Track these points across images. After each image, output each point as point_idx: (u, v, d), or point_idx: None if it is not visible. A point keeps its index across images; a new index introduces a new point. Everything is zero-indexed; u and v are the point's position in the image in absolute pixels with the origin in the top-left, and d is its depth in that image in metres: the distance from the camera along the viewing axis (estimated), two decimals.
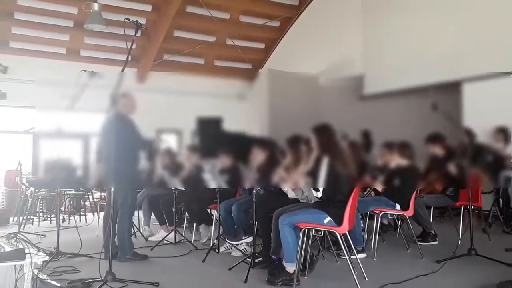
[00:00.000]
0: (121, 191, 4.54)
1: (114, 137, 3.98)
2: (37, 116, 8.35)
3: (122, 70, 3.88)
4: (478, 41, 6.50)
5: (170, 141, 6.14)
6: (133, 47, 4.05)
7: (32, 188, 7.11)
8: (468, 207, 4.69)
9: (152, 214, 6.19)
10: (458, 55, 6.64)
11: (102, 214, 6.53)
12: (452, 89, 6.29)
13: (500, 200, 6.05)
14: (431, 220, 5.47)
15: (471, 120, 5.54)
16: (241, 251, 4.83)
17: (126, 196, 4.66)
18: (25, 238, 4.17)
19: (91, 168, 4.78)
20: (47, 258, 3.87)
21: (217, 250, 4.95)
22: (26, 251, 3.43)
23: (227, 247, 4.99)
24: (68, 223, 7.26)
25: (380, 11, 7.96)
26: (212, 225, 5.63)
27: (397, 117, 5.57)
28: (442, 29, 6.95)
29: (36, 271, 3.58)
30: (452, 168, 4.88)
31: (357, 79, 7.81)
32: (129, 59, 4.08)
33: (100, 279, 3.70)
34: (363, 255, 4.61)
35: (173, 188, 5.58)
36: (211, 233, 5.60)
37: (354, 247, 4.24)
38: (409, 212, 4.85)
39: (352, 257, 3.96)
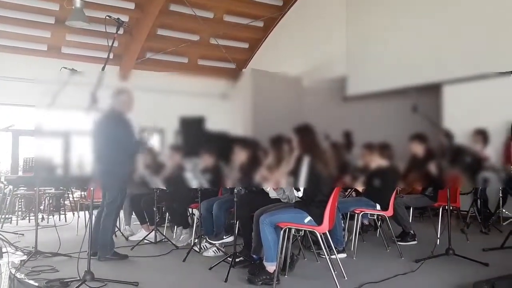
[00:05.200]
0: (113, 190, 4.50)
1: (109, 135, 3.93)
2: (17, 113, 8.24)
3: (103, 69, 3.84)
4: (459, 43, 6.59)
5: (152, 141, 6.12)
6: (115, 45, 4.02)
7: (10, 186, 7.00)
8: (446, 207, 4.76)
9: (133, 213, 6.15)
10: (438, 57, 6.74)
11: (82, 213, 6.48)
12: (433, 91, 6.38)
13: (478, 201, 6.15)
14: (410, 220, 5.54)
15: (451, 121, 5.63)
16: (221, 250, 4.83)
17: (116, 196, 4.62)
18: (2, 237, 4.12)
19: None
20: (25, 257, 3.84)
21: (197, 250, 4.94)
22: (3, 250, 3.39)
23: (204, 246, 4.97)
24: (48, 222, 7.17)
25: (363, 13, 8.04)
26: (188, 228, 5.62)
27: (378, 118, 5.64)
28: (424, 32, 7.04)
29: (13, 270, 3.54)
30: (432, 168, 4.95)
31: (340, 80, 7.87)
32: (111, 56, 4.06)
33: (79, 278, 3.66)
34: (343, 255, 4.64)
35: (154, 187, 5.55)
36: (185, 235, 5.58)
37: (335, 247, 4.27)
38: (389, 212, 4.90)
39: (332, 256, 3.99)
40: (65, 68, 4.71)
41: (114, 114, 4.23)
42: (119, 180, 4.50)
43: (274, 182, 4.31)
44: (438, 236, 5.17)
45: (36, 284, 3.70)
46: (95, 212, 4.79)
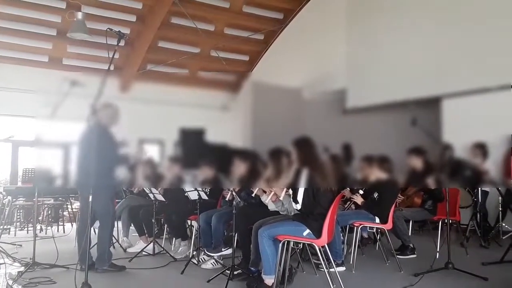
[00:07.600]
0: (101, 201, 4.49)
1: (94, 147, 3.94)
2: (17, 124, 8.26)
3: (104, 80, 3.86)
4: (459, 56, 6.62)
5: (151, 152, 6.13)
6: (116, 56, 4.04)
7: (9, 197, 6.98)
8: (446, 221, 4.74)
9: (132, 225, 6.13)
10: (438, 70, 6.76)
11: None
12: (432, 104, 6.41)
13: (478, 214, 6.12)
14: (409, 234, 5.52)
15: (450, 135, 5.65)
16: (219, 262, 4.81)
17: (108, 207, 4.61)
18: (0, 248, 4.11)
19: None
20: (22, 268, 3.83)
21: (196, 262, 4.91)
22: (1, 261, 3.39)
23: (202, 258, 4.95)
24: (46, 233, 7.15)
25: (363, 26, 8.09)
26: (186, 240, 5.60)
27: (378, 131, 5.66)
28: (424, 45, 7.08)
29: (10, 282, 3.53)
30: (431, 182, 4.96)
31: (339, 93, 7.91)
32: (112, 68, 4.07)
33: None
34: (342, 268, 4.61)
35: (153, 199, 5.54)
36: (183, 247, 5.56)
37: (334, 260, 4.25)
38: (388, 226, 4.88)
39: (331, 270, 3.97)
40: (67, 78, 4.74)
41: (99, 127, 4.25)
42: (105, 191, 4.51)
43: (273, 195, 4.32)
44: (438, 250, 5.15)
45: None
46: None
